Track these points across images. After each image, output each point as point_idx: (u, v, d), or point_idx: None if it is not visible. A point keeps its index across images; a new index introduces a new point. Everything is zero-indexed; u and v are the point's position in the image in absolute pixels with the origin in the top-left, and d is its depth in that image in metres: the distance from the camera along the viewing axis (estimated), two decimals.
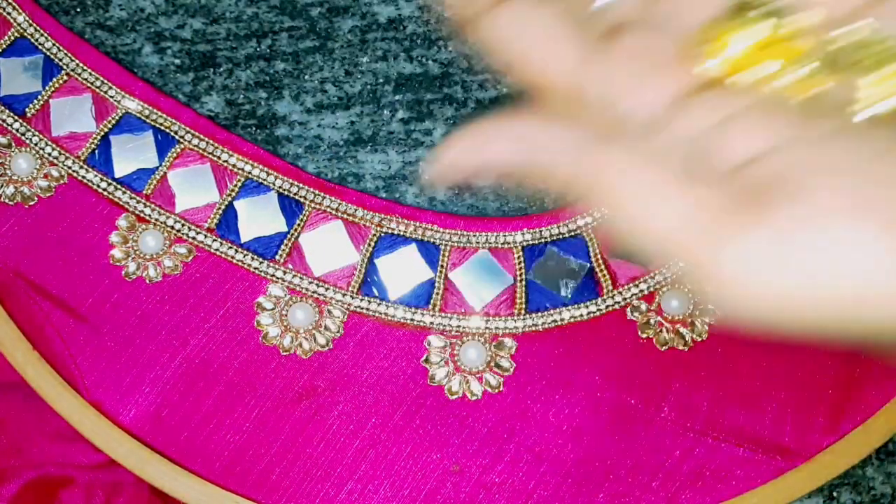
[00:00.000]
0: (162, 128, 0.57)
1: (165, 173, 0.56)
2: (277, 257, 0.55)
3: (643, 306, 0.55)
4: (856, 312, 0.33)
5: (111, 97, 0.57)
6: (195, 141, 0.57)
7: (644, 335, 0.55)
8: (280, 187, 0.56)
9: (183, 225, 0.56)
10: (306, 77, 0.59)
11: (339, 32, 0.60)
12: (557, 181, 0.37)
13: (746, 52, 0.35)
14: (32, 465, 0.55)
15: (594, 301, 0.55)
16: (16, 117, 0.56)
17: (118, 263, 0.55)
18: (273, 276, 0.55)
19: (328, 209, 0.56)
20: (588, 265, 0.55)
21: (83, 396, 0.54)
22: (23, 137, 0.56)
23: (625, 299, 0.55)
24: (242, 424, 0.54)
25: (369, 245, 0.56)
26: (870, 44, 0.35)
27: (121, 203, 0.56)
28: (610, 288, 0.55)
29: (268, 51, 0.59)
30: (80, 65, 0.57)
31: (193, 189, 0.56)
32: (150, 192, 0.56)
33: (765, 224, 0.33)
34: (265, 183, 0.56)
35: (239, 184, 0.56)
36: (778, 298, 0.33)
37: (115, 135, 0.57)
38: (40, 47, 0.57)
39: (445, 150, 0.38)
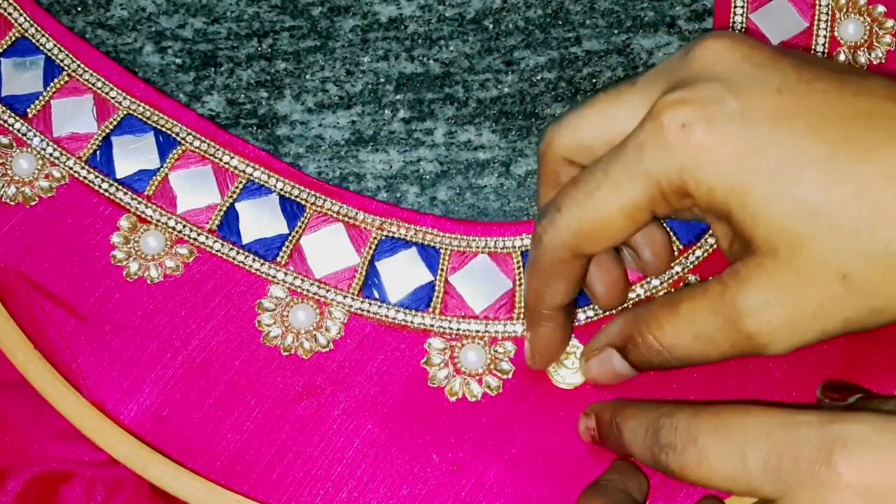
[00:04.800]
0: (163, 129, 0.57)
1: (167, 174, 0.56)
2: (279, 259, 0.55)
3: None
4: None
5: (112, 98, 0.57)
6: (196, 143, 0.57)
7: None
8: (281, 189, 0.56)
9: (184, 226, 0.56)
10: (307, 76, 0.59)
11: (341, 32, 0.60)
12: None
13: None
14: (34, 462, 0.55)
15: (591, 306, 0.55)
16: (17, 118, 0.56)
17: (119, 264, 0.55)
18: (274, 277, 0.55)
19: (329, 212, 0.56)
20: None
21: (84, 396, 0.54)
22: (24, 138, 0.56)
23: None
24: (243, 424, 0.54)
25: (370, 248, 0.56)
26: None
27: (122, 204, 0.56)
28: None
29: (269, 50, 0.59)
30: (82, 66, 0.57)
31: (195, 190, 0.56)
32: (151, 193, 0.56)
33: None
34: (266, 185, 0.56)
35: (240, 186, 0.56)
36: None
37: (117, 136, 0.57)
38: (41, 48, 0.57)
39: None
